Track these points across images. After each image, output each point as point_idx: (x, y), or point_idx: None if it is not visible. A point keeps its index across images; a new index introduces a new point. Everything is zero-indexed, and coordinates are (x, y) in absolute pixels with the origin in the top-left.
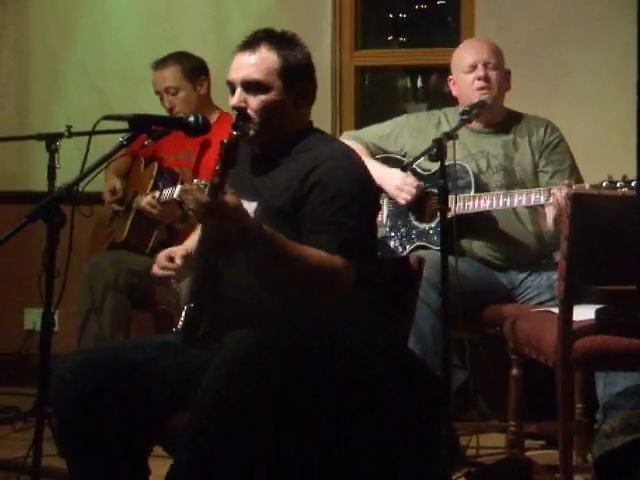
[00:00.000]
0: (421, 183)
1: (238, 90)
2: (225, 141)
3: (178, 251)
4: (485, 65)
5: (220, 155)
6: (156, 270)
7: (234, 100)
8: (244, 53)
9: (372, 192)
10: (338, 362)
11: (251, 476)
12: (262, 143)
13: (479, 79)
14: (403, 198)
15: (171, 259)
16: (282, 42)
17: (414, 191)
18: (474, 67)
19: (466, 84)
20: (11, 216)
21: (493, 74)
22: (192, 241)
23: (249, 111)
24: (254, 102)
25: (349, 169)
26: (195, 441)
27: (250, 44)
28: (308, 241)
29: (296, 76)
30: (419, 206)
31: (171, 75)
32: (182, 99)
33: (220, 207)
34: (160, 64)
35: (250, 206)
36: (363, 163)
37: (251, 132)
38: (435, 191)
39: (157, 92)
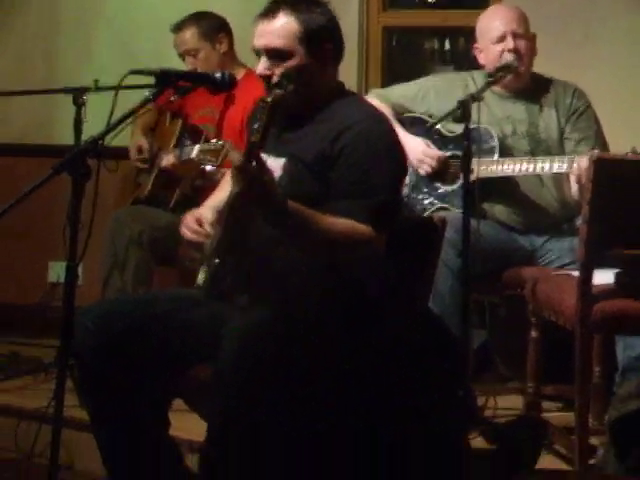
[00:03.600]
0: (441, 154)
1: (263, 58)
2: (269, 99)
3: (205, 214)
4: (514, 36)
5: (261, 113)
6: (186, 232)
7: (259, 68)
8: (264, 20)
9: (401, 156)
10: (359, 320)
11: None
12: (292, 105)
13: (509, 51)
14: (424, 170)
15: (200, 223)
16: (300, 5)
17: (434, 164)
18: (503, 38)
19: (494, 55)
20: (37, 169)
21: (522, 44)
22: (216, 199)
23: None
24: (279, 69)
25: (379, 133)
26: (223, 395)
27: (269, 10)
28: (337, 206)
29: (317, 39)
30: (440, 174)
31: (189, 37)
32: (203, 59)
33: (253, 173)
34: (178, 27)
35: (278, 162)
36: (392, 127)
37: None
38: (458, 153)
39: (180, 55)
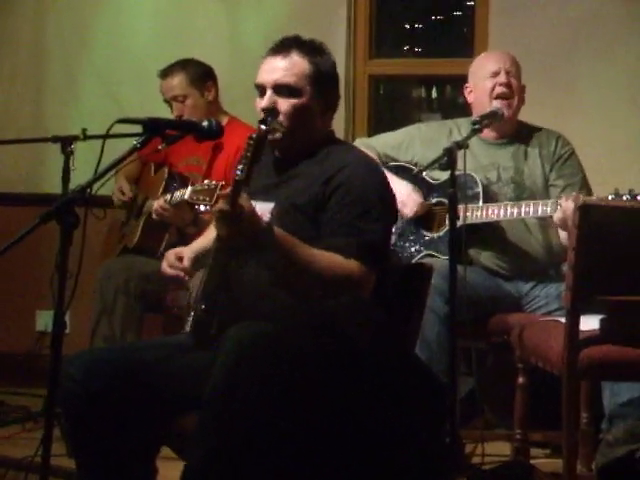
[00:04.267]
0: (424, 202)
1: (269, 92)
2: (254, 136)
3: (186, 252)
4: (507, 73)
5: (246, 150)
6: (165, 268)
7: (264, 102)
8: (275, 57)
9: (392, 200)
10: (344, 364)
11: (264, 469)
12: (286, 146)
13: (500, 85)
14: (405, 214)
15: (180, 258)
16: (312, 49)
17: (415, 209)
18: (496, 73)
19: (485, 90)
20: (25, 218)
21: (514, 82)
22: (200, 242)
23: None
24: (284, 105)
25: (371, 176)
26: (207, 439)
27: (281, 49)
28: (327, 243)
29: (324, 83)
30: (424, 219)
31: (178, 83)
32: (190, 106)
33: (235, 211)
34: (166, 73)
35: (266, 206)
36: (383, 171)
37: (277, 135)
38: (444, 200)
39: (166, 101)
